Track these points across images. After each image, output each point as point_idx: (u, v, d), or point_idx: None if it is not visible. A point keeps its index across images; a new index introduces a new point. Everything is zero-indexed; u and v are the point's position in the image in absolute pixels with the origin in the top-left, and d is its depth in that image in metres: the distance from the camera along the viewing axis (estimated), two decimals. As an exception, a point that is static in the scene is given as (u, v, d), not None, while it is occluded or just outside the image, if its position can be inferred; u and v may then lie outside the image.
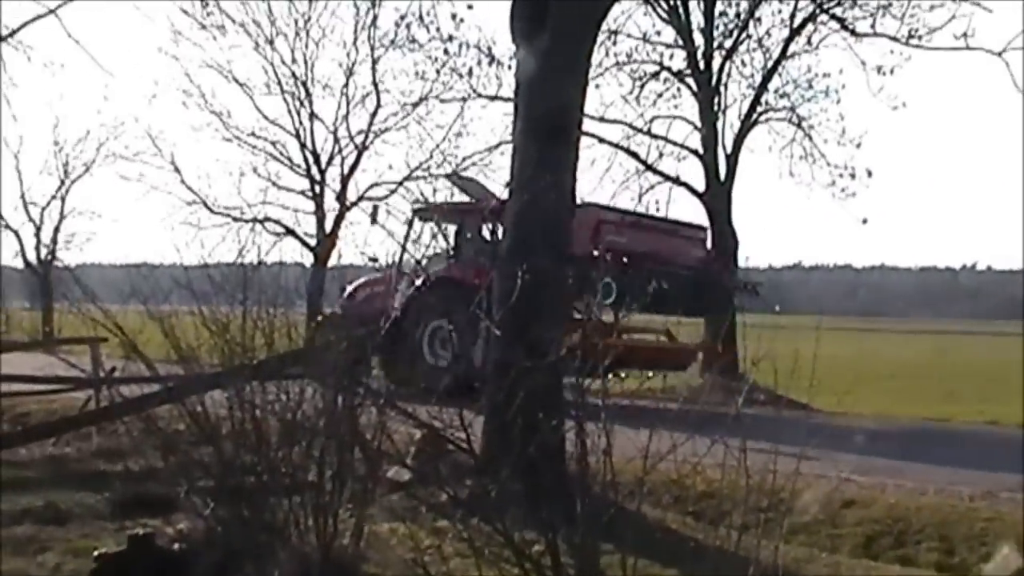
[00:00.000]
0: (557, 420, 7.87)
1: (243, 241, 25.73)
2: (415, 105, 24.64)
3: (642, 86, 21.32)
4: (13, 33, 15.13)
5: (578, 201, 9.83)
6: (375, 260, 11.75)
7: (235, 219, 26.15)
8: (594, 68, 19.86)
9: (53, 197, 32.27)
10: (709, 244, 17.97)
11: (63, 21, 15.68)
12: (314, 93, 25.53)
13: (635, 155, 20.58)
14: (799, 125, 21.29)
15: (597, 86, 20.20)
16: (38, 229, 32.11)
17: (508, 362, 8.14)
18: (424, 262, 16.08)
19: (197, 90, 24.98)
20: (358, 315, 12.21)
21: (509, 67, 19.76)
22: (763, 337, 5.99)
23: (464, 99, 22.73)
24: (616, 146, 20.54)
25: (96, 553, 6.20)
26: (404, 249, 16.10)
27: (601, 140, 20.33)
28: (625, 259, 13.63)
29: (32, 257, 31.84)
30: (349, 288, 15.94)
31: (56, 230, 32.15)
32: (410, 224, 17.11)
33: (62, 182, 32.23)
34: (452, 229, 17.07)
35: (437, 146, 24.97)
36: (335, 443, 7.72)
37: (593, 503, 7.68)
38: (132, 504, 7.71)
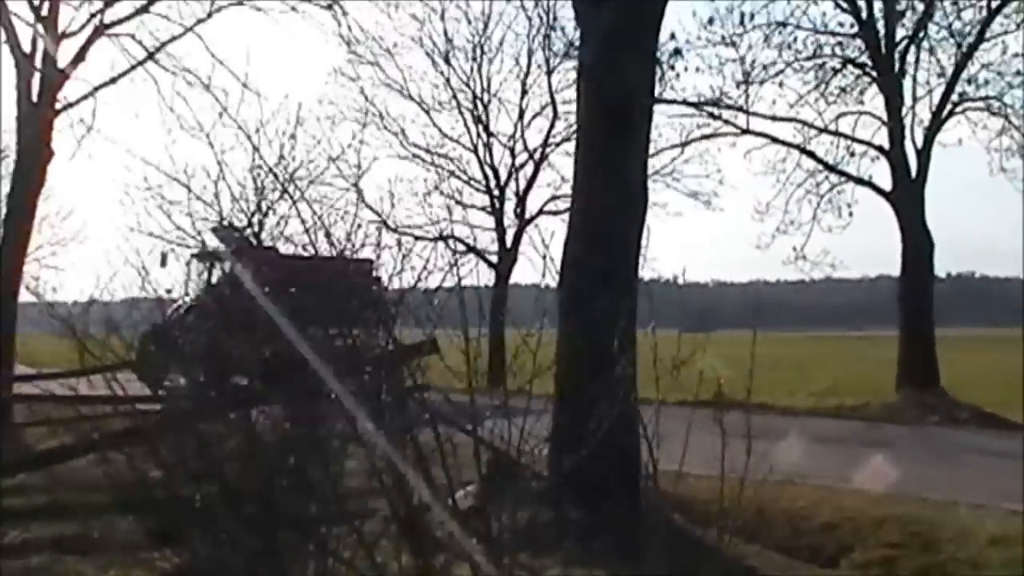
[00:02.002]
0: (631, 437, 7.11)
1: (426, 260, 26.08)
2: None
3: (826, 83, 19.85)
4: (152, 55, 15.40)
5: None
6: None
7: (416, 238, 26.30)
8: (770, 66, 18.78)
9: (248, 224, 33.30)
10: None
11: (204, 39, 15.65)
12: (491, 108, 25.35)
13: (813, 155, 19.19)
14: (1006, 116, 19.27)
15: (781, 84, 19.04)
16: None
17: (577, 379, 7.44)
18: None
19: (373, 108, 25.29)
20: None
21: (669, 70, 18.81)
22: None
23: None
24: (793, 146, 19.23)
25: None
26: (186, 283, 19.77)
27: (775, 140, 19.08)
28: None
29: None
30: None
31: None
32: (189, 264, 20.63)
33: (258, 208, 33.15)
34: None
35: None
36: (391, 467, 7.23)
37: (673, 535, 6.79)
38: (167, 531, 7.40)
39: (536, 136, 25.39)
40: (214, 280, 20.31)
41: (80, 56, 14.49)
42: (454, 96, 25.23)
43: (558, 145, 24.89)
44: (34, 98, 14.11)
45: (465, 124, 25.40)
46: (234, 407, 7.08)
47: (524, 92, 24.99)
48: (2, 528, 7.40)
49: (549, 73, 24.63)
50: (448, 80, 25.20)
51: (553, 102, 24.60)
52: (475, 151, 25.50)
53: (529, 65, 24.92)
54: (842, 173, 19.14)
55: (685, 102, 19.05)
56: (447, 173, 25.83)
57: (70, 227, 35.63)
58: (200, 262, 21.03)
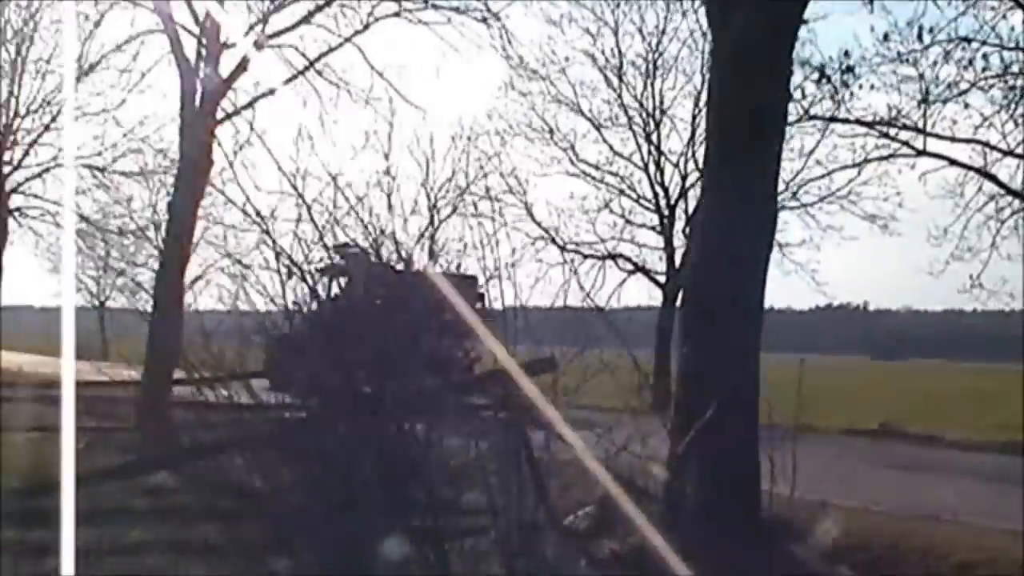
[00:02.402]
0: (750, 464, 7.04)
1: (593, 279, 26.19)
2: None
3: (1017, 103, 18.81)
4: (312, 63, 15.93)
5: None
6: None
7: (585, 256, 26.44)
8: (953, 84, 17.96)
9: (421, 236, 33.99)
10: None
11: (364, 51, 16.04)
12: (663, 125, 25.29)
13: (995, 178, 18.25)
14: None
15: (966, 105, 18.14)
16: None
17: (697, 404, 7.40)
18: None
19: (543, 123, 25.62)
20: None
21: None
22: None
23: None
24: (974, 169, 18.33)
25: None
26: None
27: (954, 162, 18.27)
28: None
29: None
30: None
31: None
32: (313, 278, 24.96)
33: (431, 222, 33.77)
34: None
35: (796, 175, 23.70)
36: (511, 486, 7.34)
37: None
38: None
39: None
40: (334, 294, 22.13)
41: (242, 66, 14.94)
42: (626, 112, 25.32)
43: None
44: (196, 107, 14.67)
45: (636, 141, 25.45)
46: (360, 414, 7.33)
47: (696, 109, 24.82)
48: (126, 528, 7.54)
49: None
50: (620, 96, 25.32)
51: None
52: (645, 168, 25.50)
53: (703, 82, 24.69)
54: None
55: (859, 121, 18.51)
56: (616, 191, 25.95)
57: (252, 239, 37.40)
58: (324, 276, 22.69)
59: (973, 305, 21.98)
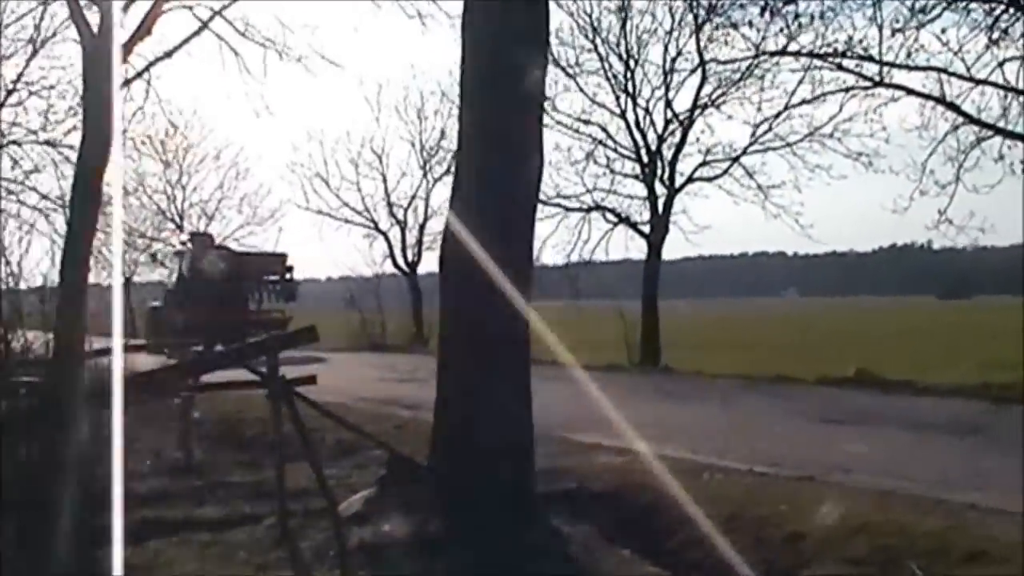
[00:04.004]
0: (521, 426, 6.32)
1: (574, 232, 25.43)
2: (742, 76, 22.52)
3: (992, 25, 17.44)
4: (219, 12, 15.21)
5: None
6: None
7: (567, 209, 25.69)
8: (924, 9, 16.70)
9: (414, 197, 33.41)
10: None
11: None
12: (637, 72, 24.26)
13: (955, 107, 16.96)
14: None
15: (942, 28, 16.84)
16: (403, 230, 33.54)
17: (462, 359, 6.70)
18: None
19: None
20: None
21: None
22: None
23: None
24: (933, 99, 17.06)
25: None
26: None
27: (911, 92, 17.06)
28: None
29: (400, 259, 33.45)
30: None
31: (421, 230, 33.44)
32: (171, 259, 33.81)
33: (424, 180, 33.23)
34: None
35: (778, 115, 22.58)
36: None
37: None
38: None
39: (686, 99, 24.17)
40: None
41: (145, 28, 14.26)
42: (600, 60, 24.36)
43: (706, 108, 23.56)
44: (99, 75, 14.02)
45: (613, 89, 24.48)
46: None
47: (666, 50, 23.77)
48: None
49: (697, 30, 23.24)
50: (594, 42, 24.35)
51: (702, 61, 23.22)
52: (623, 115, 24.52)
53: (673, 23, 23.64)
54: (990, 127, 16.82)
55: (812, 54, 17.39)
56: (595, 141, 25.05)
57: (269, 205, 37.36)
58: (177, 258, 30.73)
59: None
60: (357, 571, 5.92)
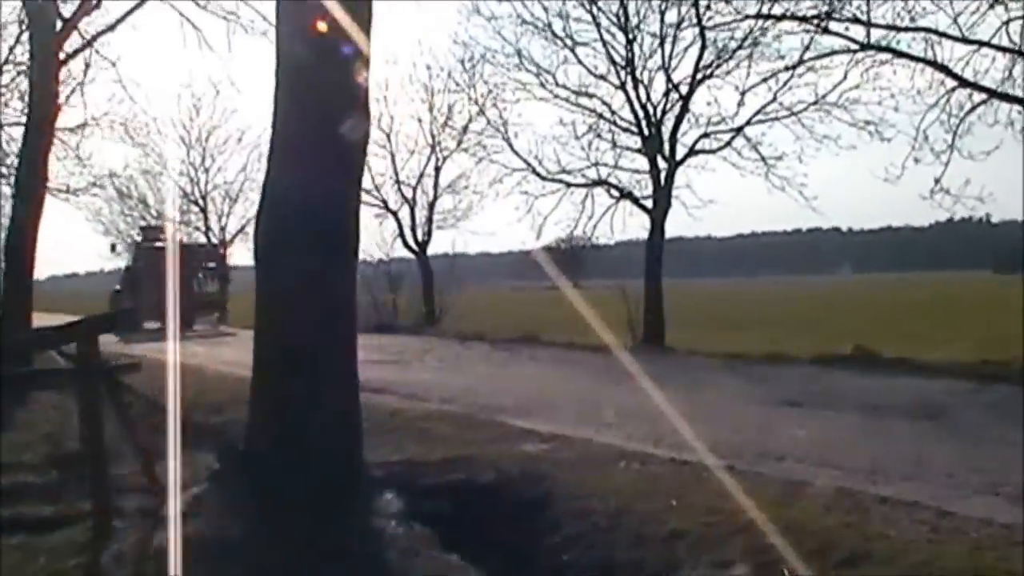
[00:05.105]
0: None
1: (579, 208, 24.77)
2: (741, 45, 21.62)
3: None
4: None
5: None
6: None
7: (569, 185, 25.04)
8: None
9: (422, 175, 32.85)
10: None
11: None
12: (636, 40, 23.41)
13: (946, 68, 15.95)
14: None
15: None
16: (412, 209, 32.91)
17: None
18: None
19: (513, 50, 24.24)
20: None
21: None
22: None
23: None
24: (919, 59, 16.06)
25: None
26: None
27: (898, 53, 16.10)
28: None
29: (410, 238, 32.77)
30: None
31: (431, 208, 32.76)
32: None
33: (432, 155, 32.63)
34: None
35: (786, 84, 21.60)
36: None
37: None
38: None
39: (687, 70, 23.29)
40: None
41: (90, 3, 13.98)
42: (599, 30, 23.55)
43: (707, 78, 22.69)
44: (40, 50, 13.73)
45: (612, 60, 23.70)
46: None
47: (662, 17, 22.90)
48: None
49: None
50: (592, 12, 23.55)
51: (701, 28, 22.30)
52: (622, 87, 23.72)
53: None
54: (984, 89, 15.79)
55: (794, 17, 16.49)
56: (595, 115, 24.32)
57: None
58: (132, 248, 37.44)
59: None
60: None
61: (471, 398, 13.56)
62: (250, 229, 42.59)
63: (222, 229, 42.87)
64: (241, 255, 44.07)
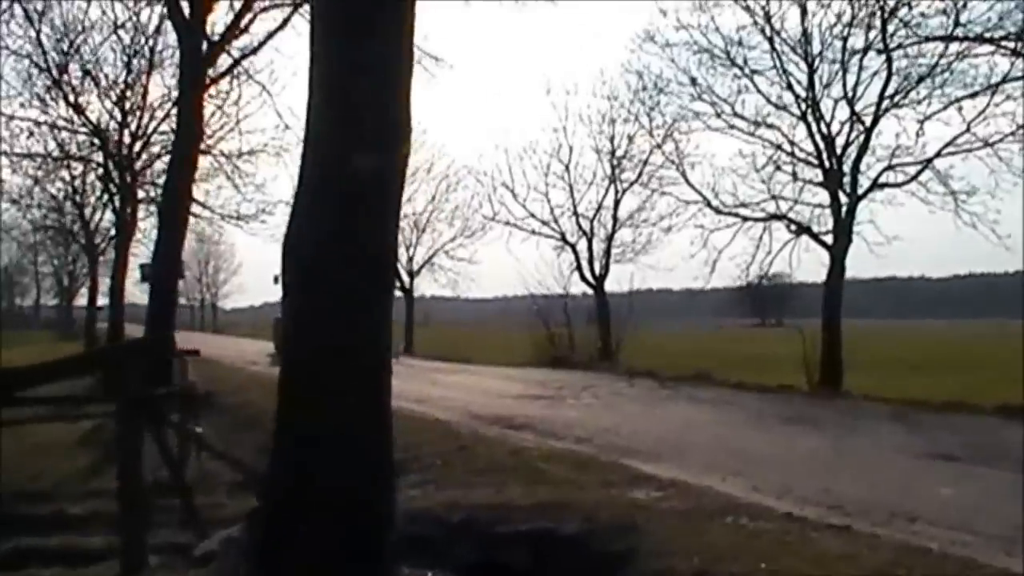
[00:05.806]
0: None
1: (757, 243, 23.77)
2: (931, 72, 20.22)
3: None
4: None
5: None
6: None
7: (744, 218, 24.12)
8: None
9: (600, 207, 32.32)
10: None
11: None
12: (818, 71, 22.32)
13: None
14: None
15: None
16: (590, 241, 32.38)
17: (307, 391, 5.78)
18: None
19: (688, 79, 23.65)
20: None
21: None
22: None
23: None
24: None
25: None
26: None
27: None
28: None
29: (587, 271, 32.19)
30: None
31: (609, 241, 32.08)
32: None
33: (612, 190, 32.16)
34: None
35: (982, 114, 20.06)
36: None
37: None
38: None
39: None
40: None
41: (236, 25, 14.18)
42: (777, 57, 22.59)
43: (893, 107, 21.35)
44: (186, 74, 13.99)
45: (791, 89, 22.68)
46: None
47: (845, 45, 21.70)
48: None
49: (884, 21, 20.99)
50: (771, 39, 22.63)
51: (888, 53, 20.99)
52: (803, 118, 22.64)
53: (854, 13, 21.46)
54: None
55: (980, 39, 15.18)
56: (773, 146, 23.34)
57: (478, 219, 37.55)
58: None
59: None
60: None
61: (608, 438, 13.05)
62: (438, 259, 43.96)
63: (409, 260, 42.70)
64: (428, 285, 44.35)
